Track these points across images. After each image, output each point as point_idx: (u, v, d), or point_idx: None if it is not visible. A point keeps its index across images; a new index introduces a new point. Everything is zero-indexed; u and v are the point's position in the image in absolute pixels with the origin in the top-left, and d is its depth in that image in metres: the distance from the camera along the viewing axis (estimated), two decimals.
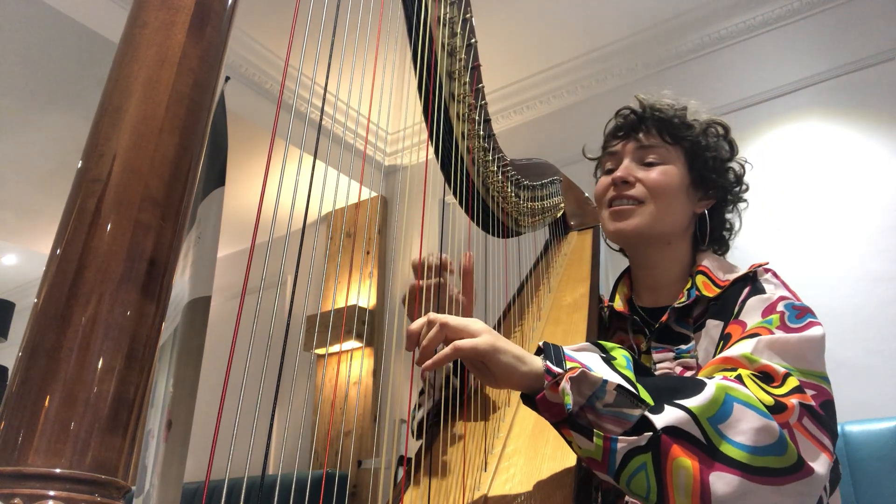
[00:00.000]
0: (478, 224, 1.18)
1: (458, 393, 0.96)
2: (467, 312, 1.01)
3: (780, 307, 0.84)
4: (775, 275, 0.92)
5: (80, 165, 0.41)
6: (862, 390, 2.04)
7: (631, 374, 0.70)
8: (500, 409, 0.94)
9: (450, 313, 0.93)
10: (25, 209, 4.15)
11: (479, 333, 0.73)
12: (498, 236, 1.26)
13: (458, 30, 1.02)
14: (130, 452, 0.39)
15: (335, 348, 3.50)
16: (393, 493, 0.87)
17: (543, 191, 1.42)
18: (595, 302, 1.11)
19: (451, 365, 0.97)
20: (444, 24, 1.00)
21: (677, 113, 1.04)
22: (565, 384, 0.67)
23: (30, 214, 4.22)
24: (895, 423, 1.54)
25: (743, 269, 0.96)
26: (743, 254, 1.10)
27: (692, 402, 0.68)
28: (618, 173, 1.03)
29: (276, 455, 2.99)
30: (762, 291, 0.88)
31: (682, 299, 0.97)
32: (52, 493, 0.35)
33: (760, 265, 0.94)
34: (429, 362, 0.74)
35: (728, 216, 1.09)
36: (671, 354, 0.96)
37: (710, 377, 0.73)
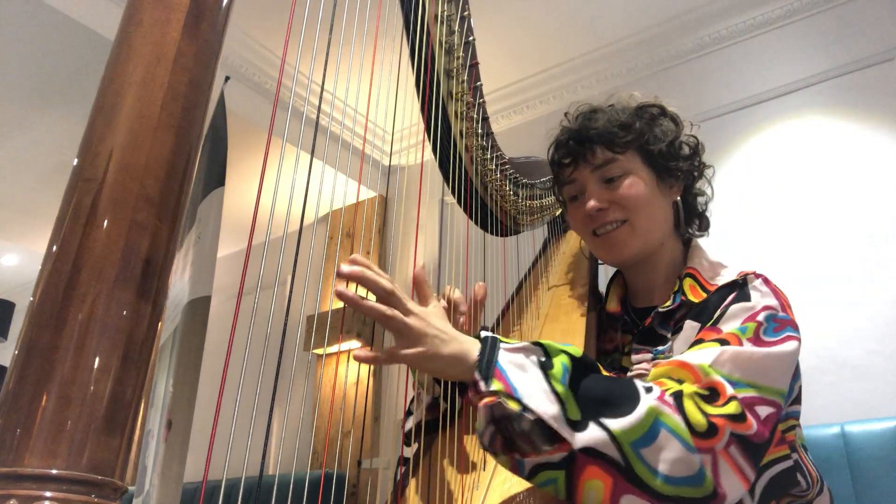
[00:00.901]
0: (476, 222, 1.18)
1: (448, 414, 0.95)
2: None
3: (760, 317, 0.82)
4: (766, 281, 0.90)
5: (75, 164, 0.40)
6: (862, 390, 2.04)
7: (562, 388, 0.69)
8: None
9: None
10: (25, 209, 4.15)
11: (415, 344, 0.72)
12: (496, 235, 1.26)
13: (456, 27, 1.02)
14: (127, 453, 0.39)
15: (335, 348, 3.50)
16: (392, 492, 0.86)
17: (542, 189, 1.41)
18: (594, 300, 1.11)
19: (440, 388, 0.94)
20: (442, 22, 0.99)
21: (610, 118, 1.02)
22: (480, 410, 0.68)
23: (30, 214, 4.22)
24: (895, 423, 1.54)
25: (732, 273, 0.94)
26: (743, 253, 1.10)
27: (618, 424, 0.68)
28: (590, 204, 1.00)
29: (276, 455, 2.99)
30: (747, 299, 0.86)
31: (668, 304, 0.96)
32: (48, 493, 0.35)
33: (750, 273, 0.91)
34: (362, 355, 0.72)
35: (698, 188, 1.08)
36: (649, 356, 0.96)
37: (649, 389, 0.72)
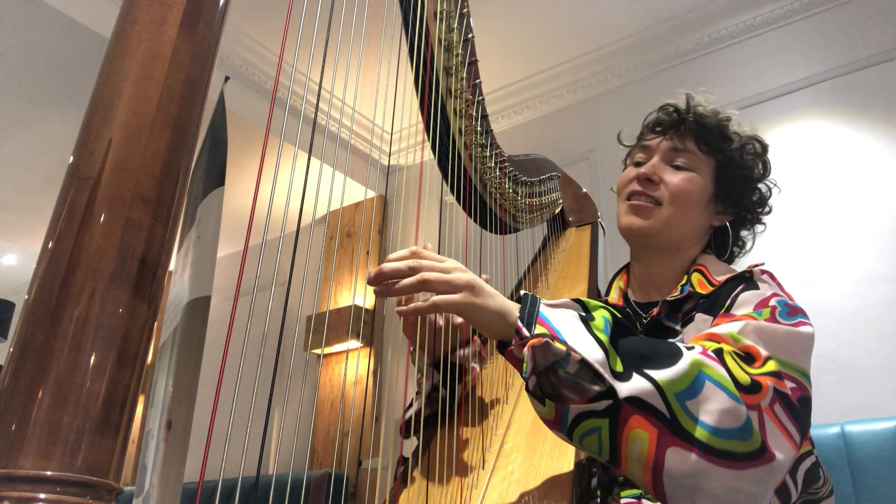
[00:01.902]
0: (476, 221, 1.17)
1: (448, 403, 0.95)
2: (464, 334, 0.99)
3: (772, 302, 0.83)
4: (772, 276, 0.91)
5: (70, 162, 0.40)
6: (862, 390, 2.04)
7: (605, 338, 0.69)
8: (497, 408, 0.93)
9: (445, 338, 0.93)
10: (25, 209, 4.15)
11: (460, 289, 0.74)
12: (496, 233, 1.26)
13: (455, 24, 1.01)
14: (122, 454, 0.39)
15: (335, 348, 3.50)
16: (390, 492, 0.86)
17: (541, 187, 1.41)
18: (594, 298, 1.10)
19: (439, 375, 0.95)
20: (441, 19, 0.99)
21: (719, 122, 1.03)
22: (526, 351, 0.68)
23: (30, 214, 4.21)
24: (895, 423, 1.54)
25: (739, 271, 0.95)
26: (740, 257, 1.10)
27: (662, 375, 0.67)
28: (644, 170, 1.02)
29: (276, 455, 2.99)
30: (756, 289, 0.87)
31: (675, 294, 0.96)
32: (42, 495, 0.34)
33: (757, 265, 0.92)
34: (404, 309, 0.75)
35: (743, 234, 1.08)
36: None
37: (690, 348, 0.72)
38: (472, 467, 0.82)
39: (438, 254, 0.82)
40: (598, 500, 0.78)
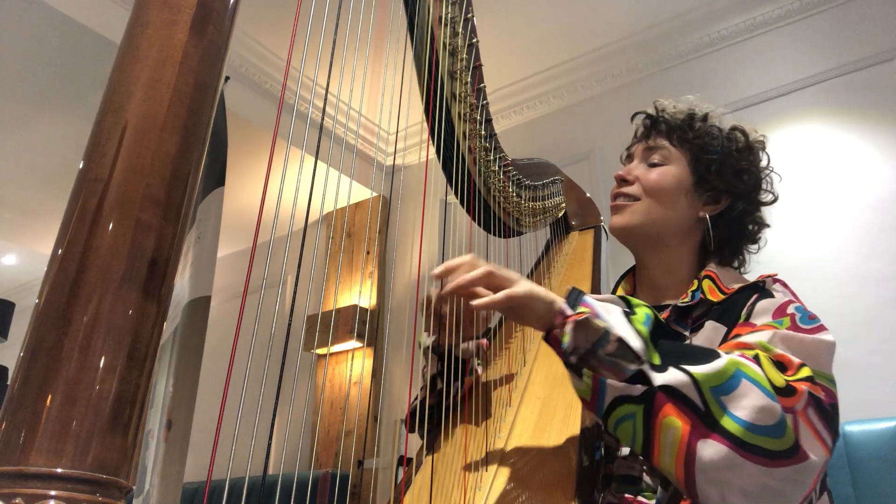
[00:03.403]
0: (479, 224, 1.18)
1: (445, 395, 0.95)
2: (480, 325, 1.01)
3: (790, 310, 0.84)
4: (784, 285, 0.92)
5: (81, 165, 0.40)
6: (862, 390, 2.04)
7: (645, 331, 0.72)
8: (501, 409, 0.94)
9: (470, 330, 0.95)
10: (25, 209, 4.14)
11: (518, 281, 0.80)
12: (499, 236, 1.26)
13: (460, 29, 1.02)
14: (132, 452, 0.39)
15: (335, 348, 3.50)
16: (393, 492, 0.87)
17: (545, 191, 1.42)
18: None
19: (441, 366, 0.96)
20: (446, 24, 1.00)
21: (689, 117, 1.06)
22: (568, 326, 0.72)
23: (30, 214, 4.21)
24: (895, 423, 1.54)
25: (750, 279, 0.96)
26: (754, 255, 1.10)
27: (699, 369, 0.69)
28: (619, 172, 1.08)
29: (277, 455, 2.99)
30: (771, 297, 0.88)
31: (686, 299, 0.97)
32: (53, 492, 0.35)
33: (769, 276, 0.93)
34: (480, 303, 0.79)
35: (744, 224, 1.06)
36: None
37: (728, 352, 0.74)
38: (476, 468, 0.83)
39: (440, 255, 0.84)
40: (602, 499, 0.79)
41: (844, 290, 2.20)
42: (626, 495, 0.83)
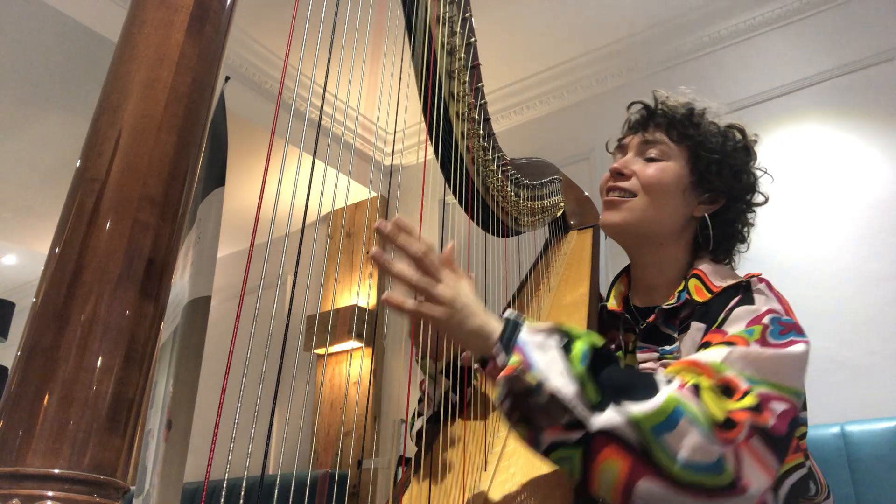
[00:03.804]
0: (477, 223, 1.18)
1: (458, 408, 0.95)
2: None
3: (765, 320, 0.82)
4: (769, 286, 0.90)
5: (78, 164, 0.40)
6: (862, 390, 2.04)
7: (582, 369, 0.70)
8: (499, 410, 0.94)
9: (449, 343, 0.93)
10: (25, 209, 4.14)
11: (441, 304, 0.75)
12: (498, 235, 1.26)
13: (458, 28, 1.02)
14: (129, 452, 0.39)
15: (335, 348, 3.50)
16: (393, 493, 0.86)
17: (543, 190, 1.41)
18: (595, 301, 1.10)
19: (449, 382, 0.96)
20: (444, 23, 0.99)
21: (689, 111, 1.03)
22: (500, 379, 0.70)
23: (30, 214, 4.21)
24: (895, 423, 1.54)
25: (738, 277, 0.94)
26: (743, 254, 1.09)
27: (638, 408, 0.68)
28: (615, 165, 1.04)
29: (276, 455, 2.99)
30: (751, 303, 0.86)
31: (672, 301, 0.96)
32: (50, 493, 0.35)
33: (754, 275, 0.92)
34: (393, 300, 0.76)
35: (737, 225, 1.05)
36: (655, 354, 0.96)
37: (670, 381, 0.73)
38: (474, 469, 0.82)
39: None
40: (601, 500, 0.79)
41: (844, 290, 2.19)
42: None
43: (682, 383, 0.72)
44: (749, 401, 0.71)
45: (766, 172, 1.07)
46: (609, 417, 0.67)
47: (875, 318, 2.11)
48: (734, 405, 0.71)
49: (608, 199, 1.03)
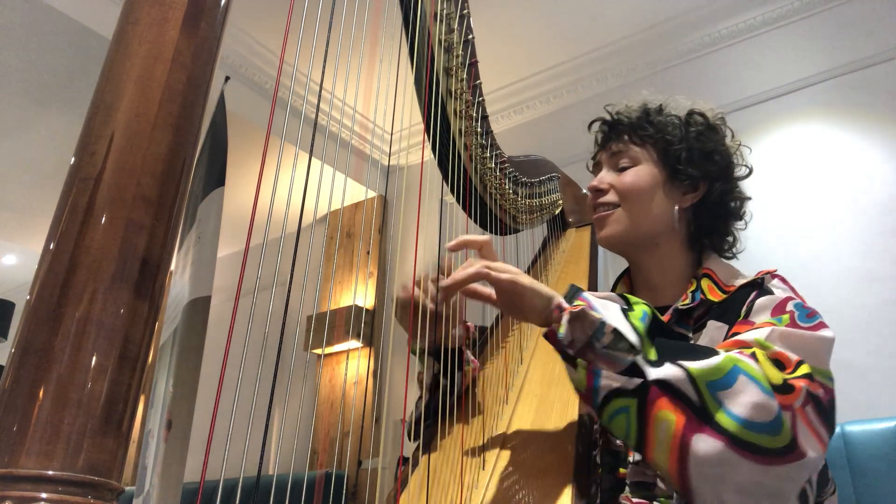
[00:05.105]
0: (476, 221, 1.17)
1: (448, 392, 0.95)
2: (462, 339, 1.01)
3: (789, 307, 0.83)
4: (783, 280, 0.91)
5: (72, 163, 0.40)
6: (862, 390, 2.04)
7: (641, 326, 0.72)
8: (497, 406, 0.94)
9: (442, 326, 0.95)
10: (25, 209, 4.14)
11: (510, 272, 0.80)
12: (496, 233, 1.26)
13: (456, 26, 1.02)
14: (124, 454, 0.39)
15: (335, 348, 3.50)
16: (391, 491, 0.86)
17: (541, 188, 1.41)
18: None
19: (439, 365, 0.96)
20: (441, 20, 0.99)
21: (644, 112, 1.05)
22: (564, 317, 0.72)
23: (30, 214, 4.21)
24: (895, 423, 1.54)
25: (750, 275, 0.95)
26: (744, 254, 1.09)
27: (695, 365, 0.68)
28: (591, 183, 1.07)
29: (276, 455, 2.99)
30: (770, 293, 0.87)
31: (686, 301, 0.96)
32: (44, 495, 0.34)
33: (768, 272, 0.93)
34: (481, 288, 0.82)
35: (728, 203, 1.04)
36: None
37: (726, 350, 0.73)
38: (473, 467, 0.82)
39: (438, 253, 0.85)
40: (600, 498, 0.78)
41: (844, 290, 2.19)
42: (641, 500, 0.82)
43: (739, 351, 0.73)
44: (803, 369, 0.72)
45: (740, 144, 1.07)
46: (667, 370, 0.68)
47: (875, 318, 2.11)
48: (789, 375, 0.71)
49: (595, 216, 1.06)
